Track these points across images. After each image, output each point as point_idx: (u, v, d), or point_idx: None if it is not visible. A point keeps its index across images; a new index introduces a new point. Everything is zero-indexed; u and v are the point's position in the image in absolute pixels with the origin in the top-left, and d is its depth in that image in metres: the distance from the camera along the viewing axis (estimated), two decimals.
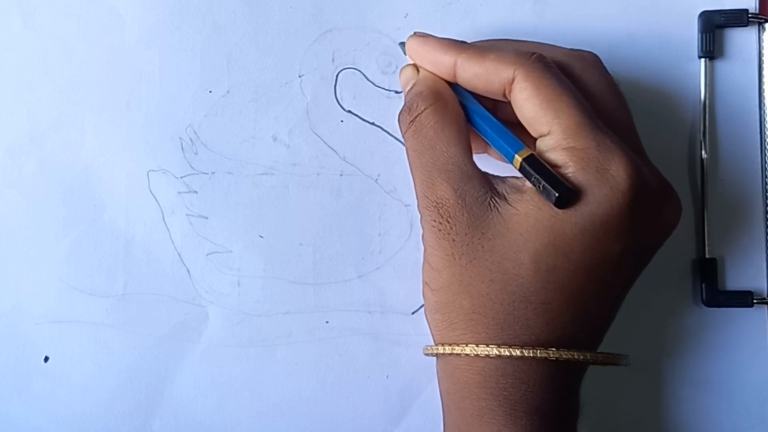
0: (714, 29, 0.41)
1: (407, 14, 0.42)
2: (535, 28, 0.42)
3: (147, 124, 0.42)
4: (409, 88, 0.36)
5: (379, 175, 0.42)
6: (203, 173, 0.42)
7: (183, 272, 0.41)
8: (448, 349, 0.33)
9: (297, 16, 0.42)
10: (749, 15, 0.41)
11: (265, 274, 0.42)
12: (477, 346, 0.32)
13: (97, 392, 0.41)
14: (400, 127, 0.36)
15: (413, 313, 0.41)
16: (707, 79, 0.41)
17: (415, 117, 0.35)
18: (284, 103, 0.42)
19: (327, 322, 0.41)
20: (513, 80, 0.33)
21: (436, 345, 0.34)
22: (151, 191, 0.42)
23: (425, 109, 0.35)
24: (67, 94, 0.42)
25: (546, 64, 0.33)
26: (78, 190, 0.42)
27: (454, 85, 0.36)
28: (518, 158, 0.32)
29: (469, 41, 0.41)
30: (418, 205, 0.35)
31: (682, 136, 0.41)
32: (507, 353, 0.32)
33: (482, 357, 0.32)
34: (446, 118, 0.34)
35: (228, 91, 0.42)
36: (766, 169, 0.41)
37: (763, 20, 0.41)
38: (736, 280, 0.41)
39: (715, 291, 0.40)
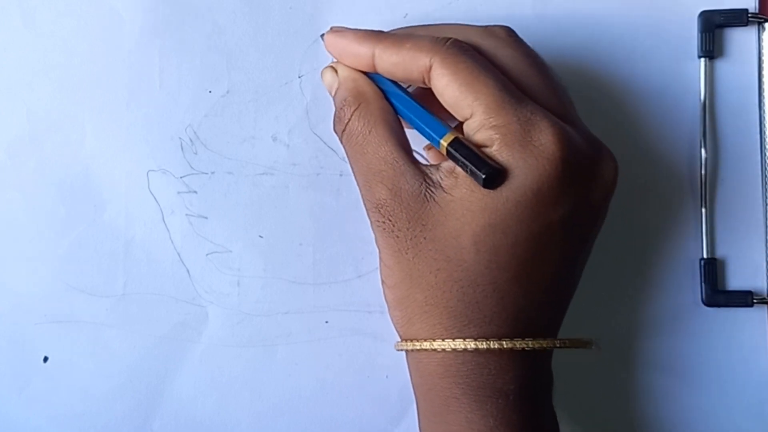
0: (714, 29, 0.41)
1: (407, 14, 0.42)
2: (535, 28, 0.42)
3: (147, 124, 0.42)
4: (333, 92, 0.37)
5: None
6: (203, 173, 0.42)
7: (183, 272, 0.41)
8: (410, 345, 0.34)
9: (297, 16, 0.42)
10: (749, 15, 0.41)
11: (265, 274, 0.42)
12: (434, 340, 0.33)
13: (97, 392, 0.41)
14: (337, 134, 0.36)
15: None
16: (707, 78, 0.41)
17: (346, 125, 0.35)
18: (284, 103, 0.42)
19: (327, 322, 0.41)
20: (431, 68, 0.33)
21: (401, 341, 0.35)
22: (150, 191, 0.42)
23: (352, 114, 0.35)
24: (67, 94, 0.42)
25: (461, 47, 0.34)
26: (78, 190, 0.42)
27: (376, 76, 0.36)
28: (443, 143, 0.33)
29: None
30: (366, 210, 0.35)
31: (682, 136, 0.41)
32: (462, 347, 0.32)
33: (439, 351, 0.33)
34: (372, 119, 0.35)
35: (228, 91, 0.42)
36: (766, 169, 0.41)
37: (762, 20, 0.41)
38: (736, 279, 0.41)
39: (715, 291, 0.40)
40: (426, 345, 0.33)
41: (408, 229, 0.33)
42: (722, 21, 0.41)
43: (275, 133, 0.42)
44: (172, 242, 0.42)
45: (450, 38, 0.34)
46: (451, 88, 0.33)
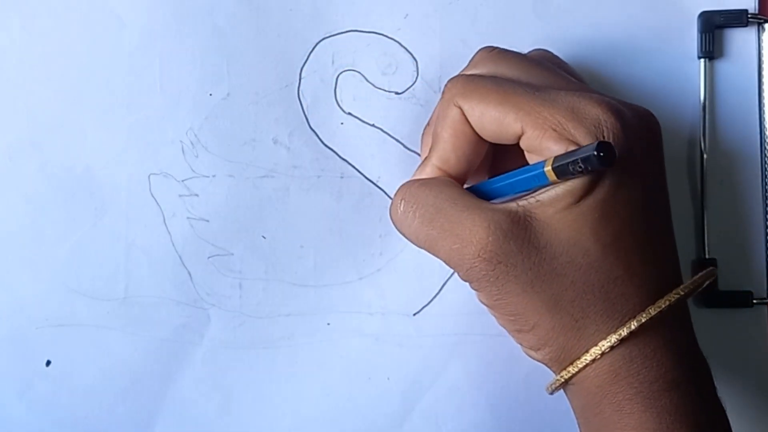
0: (714, 29, 0.41)
1: (407, 14, 0.42)
2: (535, 28, 0.42)
3: (147, 127, 0.42)
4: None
5: (379, 177, 0.42)
6: (204, 176, 0.42)
7: (184, 275, 0.41)
8: (571, 370, 0.32)
9: (297, 18, 0.42)
10: (749, 15, 0.41)
11: (267, 277, 0.42)
12: (596, 345, 0.31)
13: (99, 396, 0.41)
14: (394, 222, 0.35)
15: (415, 314, 0.41)
16: (707, 79, 0.41)
17: (402, 197, 0.35)
18: (284, 106, 0.42)
19: (328, 324, 0.41)
20: (461, 110, 0.33)
21: (558, 376, 0.33)
22: (152, 194, 0.42)
23: (410, 186, 0.35)
24: (68, 97, 0.42)
25: (467, 78, 0.34)
26: (79, 194, 0.42)
27: (476, 187, 0.35)
28: (548, 168, 0.31)
29: (469, 41, 0.41)
30: (458, 272, 0.33)
31: (682, 136, 0.41)
32: (626, 332, 0.31)
33: (606, 354, 0.31)
34: (440, 183, 0.34)
35: (228, 94, 0.42)
36: (766, 169, 0.41)
37: (762, 20, 0.41)
38: (735, 280, 0.41)
39: (714, 291, 0.40)
40: (589, 357, 0.32)
41: (524, 261, 0.31)
42: (722, 21, 0.41)
43: (276, 136, 0.42)
44: (173, 245, 0.42)
45: (448, 81, 0.35)
46: (488, 116, 0.32)
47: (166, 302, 0.41)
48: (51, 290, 0.41)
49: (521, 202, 0.32)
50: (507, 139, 0.33)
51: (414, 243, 0.34)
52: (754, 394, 0.40)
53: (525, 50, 0.41)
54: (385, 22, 0.42)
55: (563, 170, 0.30)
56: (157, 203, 0.42)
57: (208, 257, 0.42)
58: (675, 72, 0.41)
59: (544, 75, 0.35)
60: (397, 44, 0.42)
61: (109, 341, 0.41)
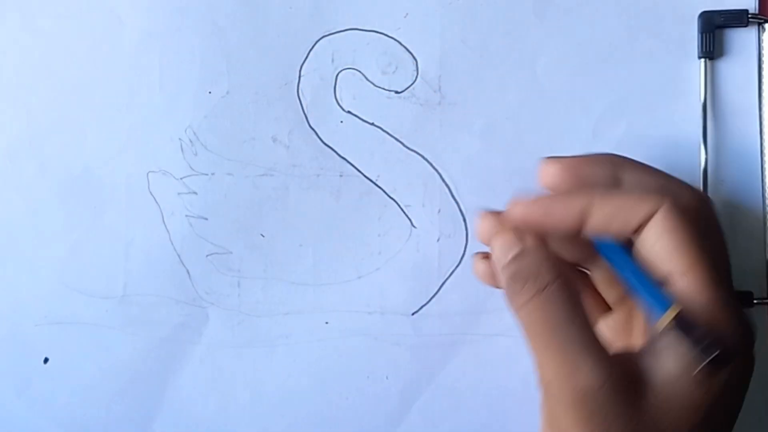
0: (714, 29, 0.41)
1: (407, 14, 0.42)
2: (535, 28, 0.42)
3: (147, 125, 0.42)
4: (513, 255, 0.32)
5: (378, 176, 0.42)
6: (203, 174, 0.42)
7: (183, 273, 0.42)
8: None
9: (296, 16, 0.42)
10: (749, 15, 0.40)
11: (265, 275, 0.42)
12: None
13: (98, 394, 0.41)
14: (513, 296, 0.32)
15: (413, 314, 0.41)
16: (707, 79, 0.41)
17: (544, 287, 0.31)
18: (284, 104, 0.42)
19: (327, 322, 0.41)
20: (653, 214, 0.31)
21: None
22: (150, 192, 0.42)
23: (556, 280, 0.31)
24: (67, 95, 0.42)
25: (697, 195, 0.33)
26: (78, 192, 0.42)
27: (598, 243, 0.33)
28: (669, 316, 0.29)
29: (469, 41, 0.41)
30: (545, 396, 0.31)
31: (682, 136, 0.41)
32: None
33: None
34: (576, 296, 0.31)
35: (228, 92, 0.42)
36: (765, 169, 0.41)
37: (763, 20, 0.41)
38: (736, 280, 0.41)
39: None
40: None
41: (618, 426, 0.29)
42: (722, 21, 0.41)
43: (275, 134, 0.42)
44: (172, 243, 0.42)
45: (682, 182, 0.33)
46: (675, 236, 0.30)
47: (164, 301, 0.41)
48: (50, 288, 0.42)
49: (641, 364, 0.30)
50: (671, 261, 0.31)
51: (530, 325, 0.32)
52: (755, 394, 0.40)
53: (525, 50, 0.41)
54: (385, 21, 0.42)
55: (679, 331, 0.29)
56: (156, 201, 0.42)
57: (207, 255, 0.42)
58: (675, 72, 0.41)
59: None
60: (397, 43, 0.42)
61: (107, 339, 0.41)
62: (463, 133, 0.42)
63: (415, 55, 0.42)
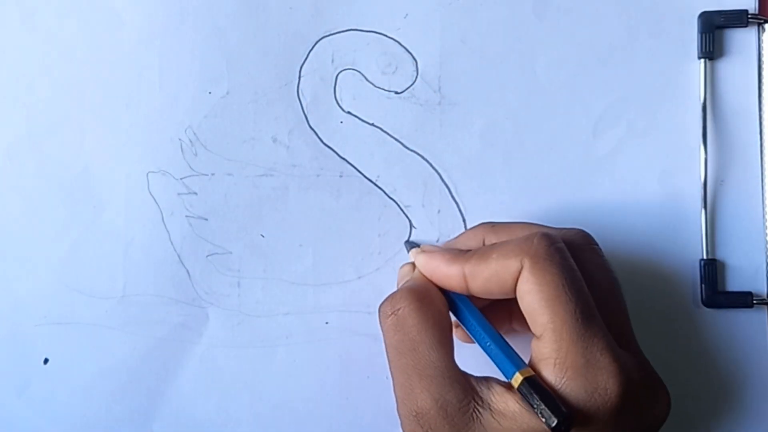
0: (714, 30, 0.41)
1: (407, 14, 0.42)
2: (534, 28, 0.42)
3: (146, 125, 0.42)
4: (402, 284, 0.36)
5: (378, 176, 0.42)
6: (203, 174, 0.42)
7: (183, 273, 0.41)
8: None
9: (296, 17, 0.42)
10: (749, 15, 0.40)
11: (265, 275, 0.42)
12: None
13: (98, 394, 0.41)
14: (379, 318, 0.35)
15: None
16: (707, 79, 0.41)
17: (398, 310, 0.34)
18: (284, 104, 0.42)
19: (327, 323, 0.41)
20: (521, 270, 0.32)
21: None
22: (150, 192, 0.42)
23: (409, 304, 0.34)
24: (67, 95, 0.42)
25: (551, 241, 0.33)
26: (77, 192, 0.42)
27: (455, 296, 0.35)
28: (519, 377, 0.31)
29: (469, 41, 0.41)
30: (397, 408, 0.33)
31: (682, 136, 0.41)
32: None
33: None
34: (430, 319, 0.33)
35: (227, 92, 0.42)
36: (765, 169, 0.41)
37: (762, 21, 0.41)
38: (736, 280, 0.41)
39: (715, 292, 0.40)
40: None
41: None
42: (722, 22, 0.41)
43: (275, 135, 0.42)
44: (172, 243, 0.42)
45: (536, 233, 0.33)
46: (532, 297, 0.32)
47: (164, 301, 0.41)
48: (49, 288, 0.42)
49: (483, 395, 0.32)
50: (531, 322, 0.32)
51: (391, 339, 0.34)
52: (754, 394, 0.40)
53: (525, 50, 0.41)
54: (385, 22, 0.42)
55: (525, 393, 0.31)
56: (156, 201, 0.42)
57: (207, 256, 0.42)
58: (675, 72, 0.41)
59: (610, 298, 0.34)
60: (397, 44, 0.42)
61: (107, 339, 0.41)
62: (463, 133, 0.42)
63: (415, 55, 0.42)
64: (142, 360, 0.41)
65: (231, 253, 0.42)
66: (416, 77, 0.42)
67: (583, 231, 0.36)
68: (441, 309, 0.34)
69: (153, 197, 0.42)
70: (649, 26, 0.41)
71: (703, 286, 0.40)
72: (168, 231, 0.42)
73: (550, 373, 0.31)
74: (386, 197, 0.42)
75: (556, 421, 0.30)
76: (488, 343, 0.33)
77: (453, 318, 0.35)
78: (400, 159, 0.42)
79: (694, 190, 0.41)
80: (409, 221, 0.41)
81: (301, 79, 0.42)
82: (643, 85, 0.41)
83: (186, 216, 0.42)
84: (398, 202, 0.42)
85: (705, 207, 0.41)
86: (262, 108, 0.42)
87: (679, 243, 0.41)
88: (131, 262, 0.42)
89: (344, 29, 0.42)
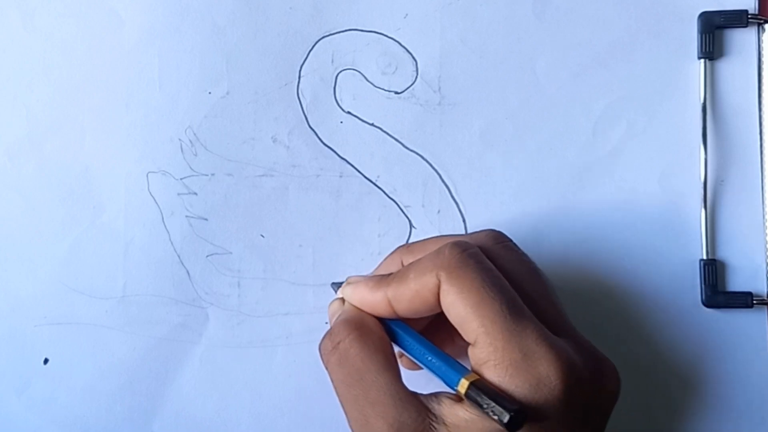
0: (714, 30, 0.41)
1: (407, 14, 0.42)
2: (534, 28, 0.42)
3: (146, 125, 0.42)
4: (334, 320, 0.36)
5: (378, 176, 0.42)
6: (203, 175, 0.42)
7: (183, 274, 0.41)
8: None
9: (296, 17, 0.42)
10: (749, 15, 0.40)
11: (265, 275, 0.42)
12: None
13: (98, 394, 0.41)
14: (321, 356, 0.35)
15: None
16: (707, 79, 0.41)
17: (338, 343, 0.34)
18: (284, 105, 0.42)
19: (327, 323, 0.41)
20: (440, 285, 0.32)
21: None
22: (150, 193, 0.42)
23: (348, 335, 0.34)
24: (67, 95, 0.42)
25: (463, 249, 0.33)
26: (77, 192, 0.42)
27: (389, 321, 0.35)
28: (465, 382, 0.31)
29: (469, 41, 0.41)
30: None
31: (682, 136, 0.41)
32: None
33: None
34: (371, 346, 0.33)
35: (227, 93, 0.42)
36: (765, 169, 0.41)
37: (762, 21, 0.41)
38: (736, 280, 0.41)
39: (715, 292, 0.40)
40: None
41: None
42: (722, 22, 0.41)
43: (275, 135, 0.42)
44: (172, 244, 0.42)
45: (446, 244, 0.33)
46: (457, 308, 0.32)
47: (164, 301, 0.41)
48: (49, 288, 0.42)
49: (435, 411, 0.32)
50: (463, 332, 0.32)
51: (336, 376, 0.34)
52: (755, 394, 0.40)
53: (524, 50, 0.41)
54: (384, 22, 0.42)
55: (473, 398, 0.31)
56: (156, 202, 0.42)
57: (207, 256, 0.42)
58: (675, 72, 0.41)
59: (535, 289, 0.34)
60: (397, 44, 0.42)
61: (107, 340, 0.41)
62: (463, 133, 0.42)
63: (414, 55, 0.42)
64: (142, 360, 0.41)
65: (231, 253, 0.42)
66: (416, 77, 0.42)
67: (494, 230, 0.36)
68: (380, 334, 0.34)
69: (153, 197, 0.42)
70: (649, 26, 0.41)
71: (703, 286, 0.40)
72: (168, 231, 0.42)
73: (492, 375, 0.31)
74: (386, 197, 0.42)
75: (508, 417, 0.30)
76: (429, 358, 0.33)
77: (396, 348, 0.35)
78: (400, 159, 0.42)
79: (694, 190, 0.41)
80: (409, 221, 0.42)
81: (301, 79, 0.42)
82: (643, 85, 0.41)
83: (186, 216, 0.42)
84: (398, 203, 0.42)
85: (705, 207, 0.41)
86: (262, 108, 0.42)
87: (679, 243, 0.41)
88: (131, 262, 0.42)
89: (344, 29, 0.42)
